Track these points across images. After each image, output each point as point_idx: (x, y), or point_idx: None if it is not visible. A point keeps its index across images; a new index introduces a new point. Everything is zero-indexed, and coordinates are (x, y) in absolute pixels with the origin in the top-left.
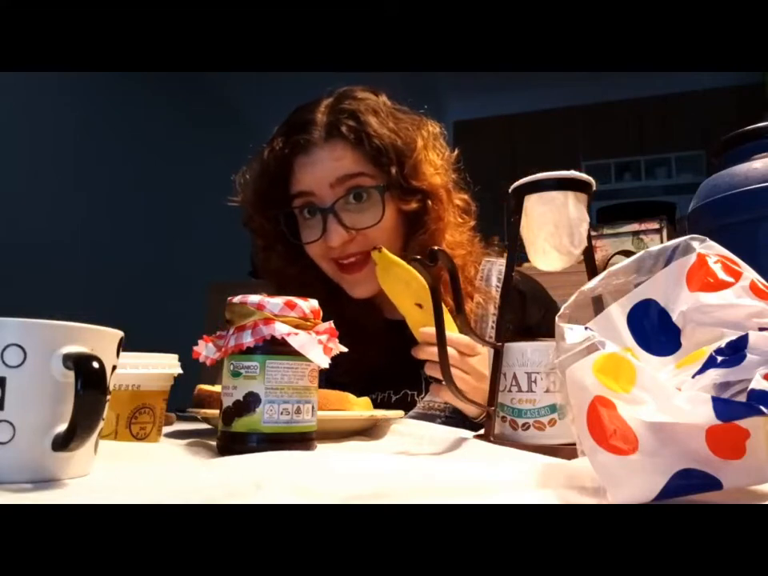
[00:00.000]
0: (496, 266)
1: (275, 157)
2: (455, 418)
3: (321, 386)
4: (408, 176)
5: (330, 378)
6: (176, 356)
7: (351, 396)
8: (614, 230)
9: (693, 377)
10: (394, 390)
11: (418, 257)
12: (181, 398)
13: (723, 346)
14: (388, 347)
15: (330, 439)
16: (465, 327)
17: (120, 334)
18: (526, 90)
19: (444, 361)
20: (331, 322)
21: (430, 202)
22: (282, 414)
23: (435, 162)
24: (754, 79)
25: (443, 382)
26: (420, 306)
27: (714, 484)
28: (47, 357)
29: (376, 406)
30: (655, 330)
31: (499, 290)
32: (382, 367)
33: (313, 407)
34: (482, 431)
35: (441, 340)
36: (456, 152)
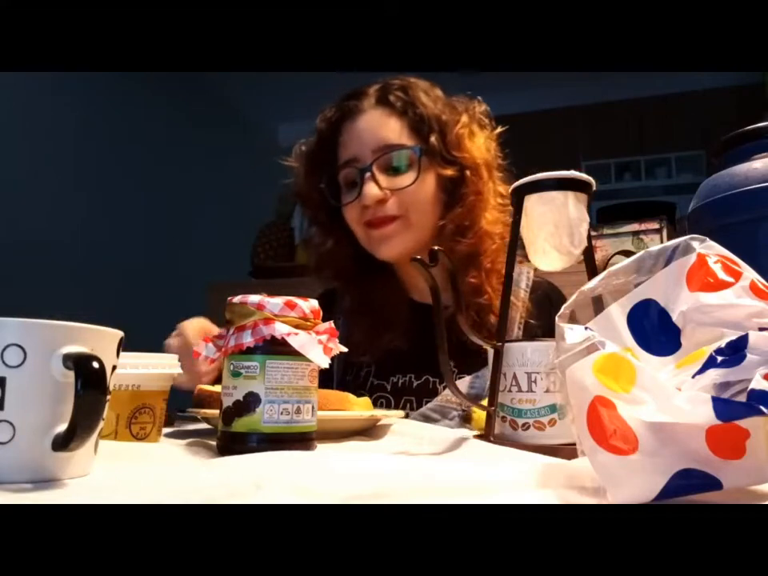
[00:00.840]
0: (525, 271)
1: (326, 122)
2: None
3: (339, 367)
4: (449, 145)
5: (349, 359)
6: (176, 356)
7: (351, 396)
8: (614, 230)
9: (693, 377)
10: (416, 374)
11: (419, 257)
12: (181, 398)
13: (723, 345)
14: (413, 330)
15: (330, 439)
16: (465, 327)
17: (120, 333)
18: (525, 90)
19: (444, 361)
20: (331, 322)
21: (468, 173)
22: (282, 413)
23: (480, 135)
24: (754, 79)
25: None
26: None
27: (713, 484)
28: (47, 357)
29: (396, 389)
30: (655, 330)
31: (527, 294)
32: (405, 350)
33: (313, 407)
34: (478, 432)
35: (441, 339)
36: (499, 129)
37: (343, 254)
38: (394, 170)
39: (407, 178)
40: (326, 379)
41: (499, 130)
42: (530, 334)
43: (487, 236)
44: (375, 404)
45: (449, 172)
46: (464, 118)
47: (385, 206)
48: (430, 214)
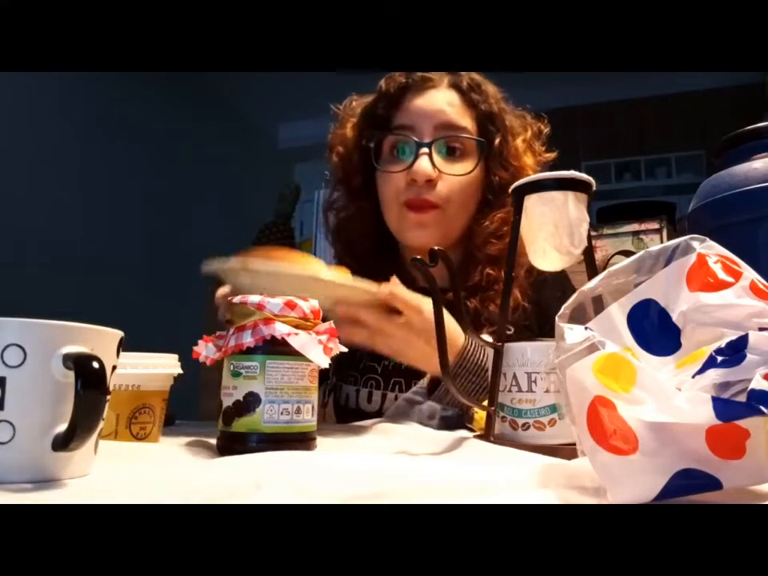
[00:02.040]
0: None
1: (394, 84)
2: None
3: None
4: (509, 152)
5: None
6: (176, 356)
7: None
8: (614, 230)
9: (693, 377)
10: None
11: (419, 257)
12: (181, 398)
13: (723, 345)
14: None
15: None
16: (465, 327)
17: (120, 334)
18: (525, 90)
19: (443, 351)
20: (331, 322)
21: None
22: (282, 414)
23: (536, 154)
24: (754, 79)
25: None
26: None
27: (713, 484)
28: (47, 357)
29: (387, 371)
30: (655, 330)
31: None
32: None
33: (313, 407)
34: (479, 432)
35: (441, 338)
36: (555, 155)
37: (360, 225)
38: (450, 154)
39: (462, 166)
40: None
41: (551, 156)
42: (502, 329)
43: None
44: (365, 384)
45: (503, 176)
46: (529, 132)
47: (431, 188)
48: (467, 211)
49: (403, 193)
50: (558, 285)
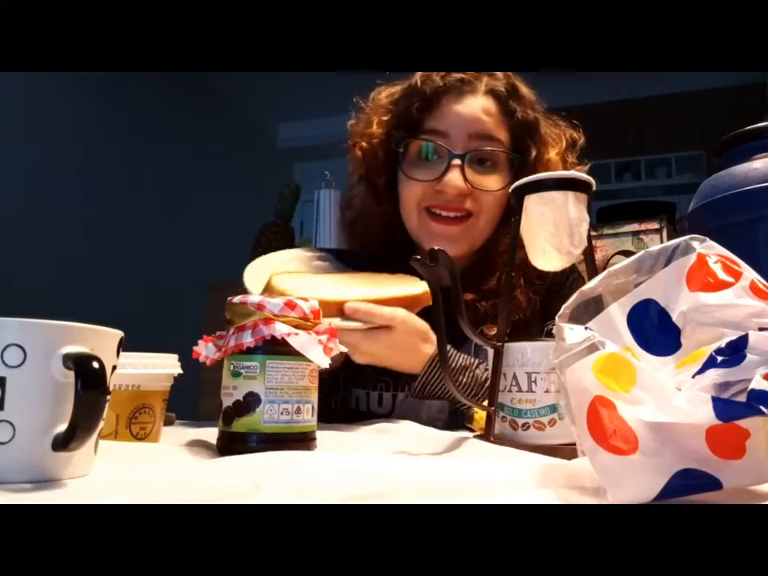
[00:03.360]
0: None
1: (429, 84)
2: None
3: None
4: (542, 165)
5: None
6: (176, 356)
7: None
8: (614, 230)
9: (693, 377)
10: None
11: (418, 257)
12: (181, 398)
13: (723, 345)
14: (421, 316)
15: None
16: (466, 327)
17: (120, 334)
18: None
19: (443, 354)
20: (331, 321)
21: None
22: (282, 414)
23: (566, 166)
24: (754, 79)
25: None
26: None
27: (713, 484)
28: (47, 357)
29: (396, 374)
30: (655, 330)
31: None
32: None
33: (313, 407)
34: (479, 432)
35: (440, 339)
36: (587, 167)
37: (378, 225)
38: (482, 166)
39: (494, 181)
40: None
41: (583, 169)
42: (502, 329)
43: None
44: (375, 387)
45: None
46: (563, 143)
47: (461, 201)
48: (494, 221)
49: (428, 200)
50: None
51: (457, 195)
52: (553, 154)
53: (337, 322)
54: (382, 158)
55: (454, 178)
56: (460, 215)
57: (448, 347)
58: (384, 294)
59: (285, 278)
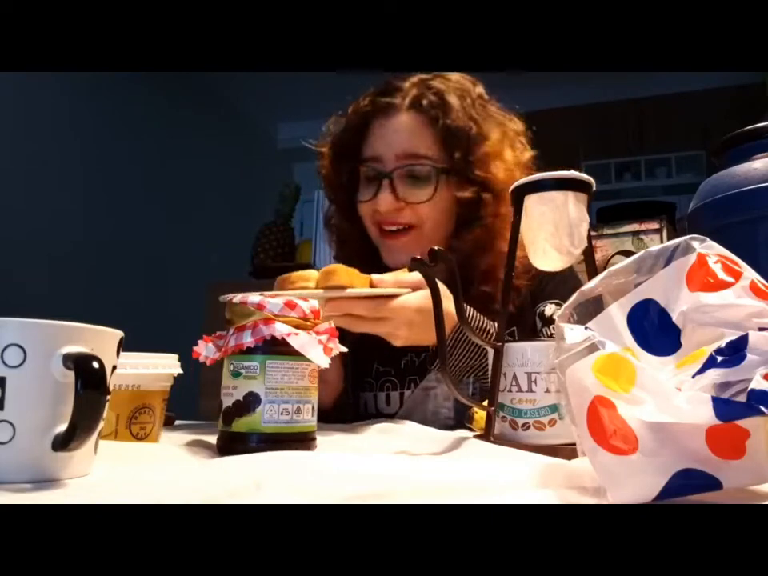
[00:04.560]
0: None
1: (357, 114)
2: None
3: (349, 339)
4: (473, 164)
5: (354, 342)
6: (176, 356)
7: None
8: (614, 230)
9: (693, 377)
10: (416, 353)
11: (419, 257)
12: (181, 398)
13: (723, 345)
14: None
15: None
16: (466, 328)
17: (120, 334)
18: (525, 89)
19: (442, 347)
20: (331, 321)
21: (487, 195)
22: (282, 414)
23: (508, 159)
24: (754, 79)
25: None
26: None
27: (713, 484)
28: (47, 357)
29: (400, 371)
30: (655, 330)
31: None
32: None
33: (313, 407)
34: (479, 432)
35: (440, 338)
36: (532, 154)
37: (354, 241)
38: (413, 181)
39: (425, 192)
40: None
41: (531, 153)
42: (503, 329)
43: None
44: (382, 388)
45: (466, 194)
46: (495, 136)
47: (399, 215)
48: (443, 229)
49: (375, 217)
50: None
51: (392, 211)
52: (487, 147)
53: (372, 290)
54: (337, 185)
55: (384, 196)
56: (403, 228)
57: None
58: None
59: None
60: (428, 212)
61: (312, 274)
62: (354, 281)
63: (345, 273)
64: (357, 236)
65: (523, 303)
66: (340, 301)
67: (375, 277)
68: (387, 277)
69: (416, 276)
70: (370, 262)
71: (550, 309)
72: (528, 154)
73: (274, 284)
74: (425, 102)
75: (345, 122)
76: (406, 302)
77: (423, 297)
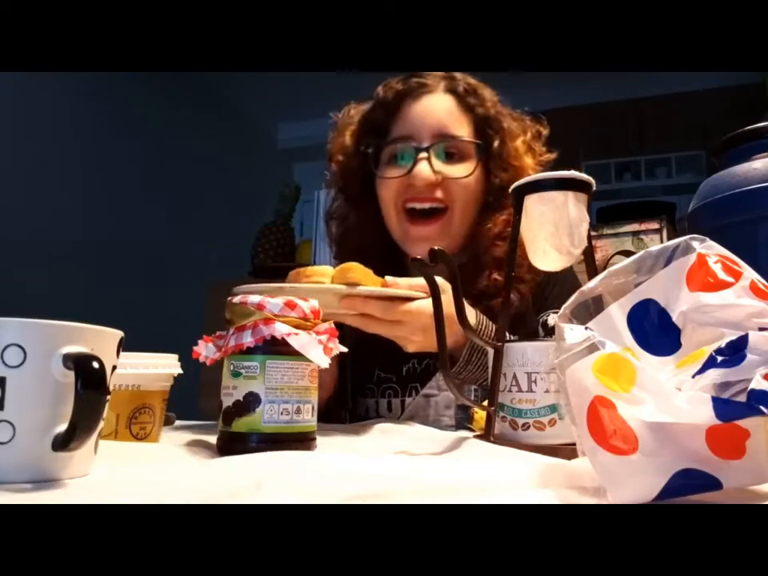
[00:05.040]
0: None
1: (390, 91)
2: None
3: (350, 344)
4: (508, 153)
5: (356, 348)
6: (176, 356)
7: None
8: (614, 230)
9: (693, 377)
10: (418, 360)
11: (419, 257)
12: (181, 398)
13: (723, 345)
14: None
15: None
16: (466, 328)
17: (120, 334)
18: (525, 89)
19: (442, 345)
20: (331, 321)
21: None
22: (282, 414)
23: (533, 157)
24: (754, 79)
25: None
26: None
27: (713, 484)
28: (47, 357)
29: (401, 378)
30: (655, 330)
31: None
32: None
33: (313, 407)
34: (479, 432)
35: (441, 338)
36: (555, 155)
37: (363, 233)
38: (449, 158)
39: (462, 168)
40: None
41: (552, 156)
42: (503, 330)
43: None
44: (383, 395)
45: (504, 177)
46: (528, 134)
47: (433, 190)
48: (469, 214)
49: (402, 196)
50: (566, 283)
51: (427, 185)
52: (518, 142)
53: (387, 291)
54: (356, 166)
55: (422, 168)
56: (435, 208)
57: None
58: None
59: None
60: (461, 192)
61: (327, 269)
62: (369, 281)
63: (361, 271)
64: (368, 229)
65: (526, 308)
66: (355, 300)
67: (389, 279)
68: (401, 281)
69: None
70: (380, 258)
71: (552, 319)
72: (551, 156)
73: (287, 277)
74: (459, 88)
75: (374, 101)
76: (421, 306)
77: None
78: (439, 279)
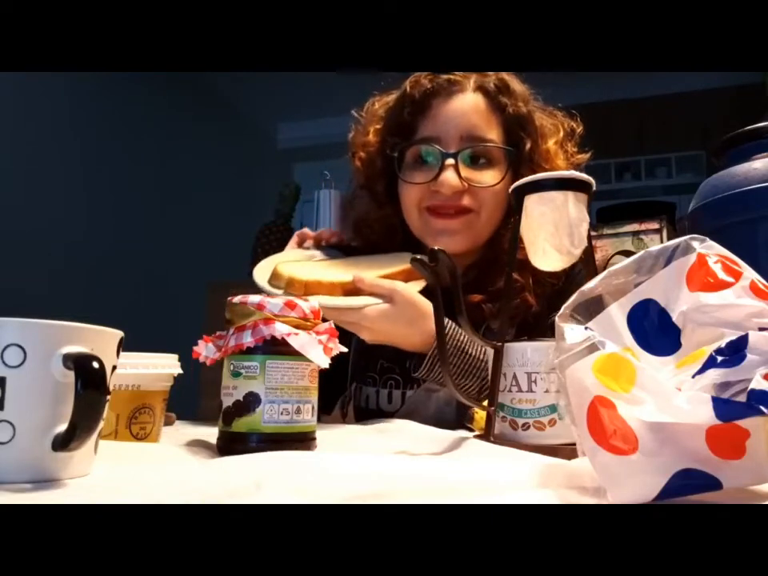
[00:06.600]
0: None
1: (418, 88)
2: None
3: (351, 345)
4: (539, 156)
5: (359, 347)
6: (176, 356)
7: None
8: (614, 230)
9: (693, 377)
10: (422, 355)
11: (419, 256)
12: (181, 398)
13: (723, 345)
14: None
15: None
16: (466, 328)
17: (120, 334)
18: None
19: (442, 347)
20: (331, 321)
21: None
22: (282, 414)
23: (566, 158)
24: (754, 79)
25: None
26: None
27: (713, 484)
28: (47, 357)
29: (405, 368)
30: (655, 330)
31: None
32: None
33: (313, 407)
34: (479, 432)
35: (440, 338)
36: (588, 155)
37: (382, 229)
38: (477, 163)
39: (490, 176)
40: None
41: (585, 157)
42: (503, 330)
43: None
44: (385, 385)
45: None
46: (561, 133)
47: (459, 198)
48: (496, 217)
49: (427, 201)
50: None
51: (453, 194)
52: (551, 143)
53: (340, 300)
54: (379, 165)
55: (449, 176)
56: (462, 209)
57: (452, 327)
58: (383, 272)
59: (290, 265)
60: (488, 198)
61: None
62: (323, 289)
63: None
64: (385, 224)
65: (540, 313)
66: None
67: (356, 276)
68: (367, 279)
69: (392, 284)
70: (396, 250)
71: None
72: (584, 156)
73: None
74: (491, 86)
75: (400, 96)
76: (372, 314)
77: (387, 310)
78: (403, 284)
